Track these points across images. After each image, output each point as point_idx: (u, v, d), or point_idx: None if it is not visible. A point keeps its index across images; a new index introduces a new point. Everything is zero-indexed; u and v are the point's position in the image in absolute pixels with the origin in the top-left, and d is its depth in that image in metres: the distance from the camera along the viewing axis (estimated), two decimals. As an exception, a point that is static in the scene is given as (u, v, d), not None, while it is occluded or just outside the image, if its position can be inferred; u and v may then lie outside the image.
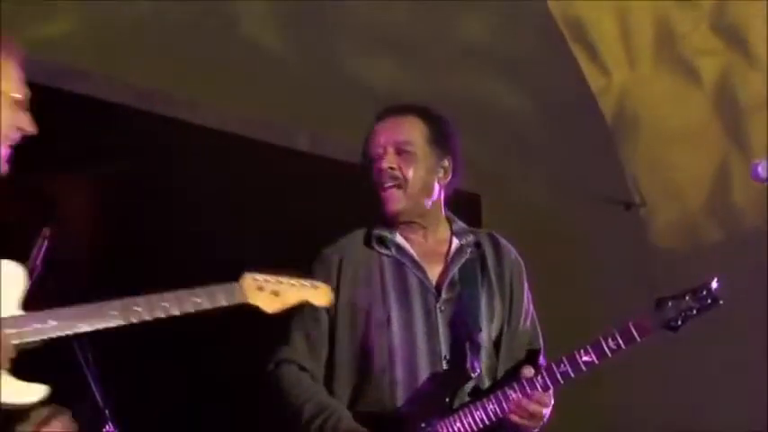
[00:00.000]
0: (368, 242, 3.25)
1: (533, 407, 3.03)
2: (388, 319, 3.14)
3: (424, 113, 3.30)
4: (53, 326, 2.56)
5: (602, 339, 3.00)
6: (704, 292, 3.01)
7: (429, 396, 3.07)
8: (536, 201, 6.08)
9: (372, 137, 3.27)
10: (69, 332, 2.58)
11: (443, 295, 3.17)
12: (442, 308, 3.16)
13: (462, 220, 3.37)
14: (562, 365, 3.01)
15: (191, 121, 4.86)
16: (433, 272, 3.22)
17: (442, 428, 3.03)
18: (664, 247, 6.37)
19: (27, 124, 2.66)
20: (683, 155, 6.31)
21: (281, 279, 2.81)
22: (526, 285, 3.31)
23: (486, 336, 3.16)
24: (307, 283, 2.86)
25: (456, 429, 3.03)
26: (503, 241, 3.35)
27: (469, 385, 3.10)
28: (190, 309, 2.66)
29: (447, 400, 3.07)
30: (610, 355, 2.99)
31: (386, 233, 3.24)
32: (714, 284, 3.02)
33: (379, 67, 5.60)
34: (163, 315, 2.65)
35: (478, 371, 3.10)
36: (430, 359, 3.11)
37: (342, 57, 5.50)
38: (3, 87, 2.63)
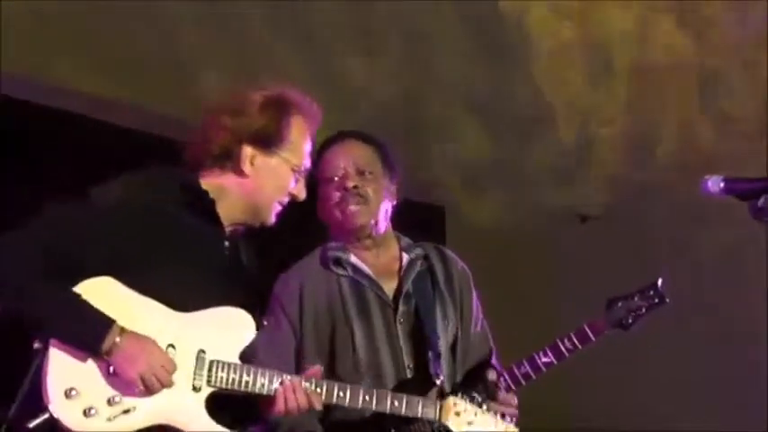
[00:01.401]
0: (324, 264, 3.41)
1: (501, 409, 3.21)
2: (352, 336, 3.31)
3: (374, 141, 3.50)
4: (258, 382, 2.89)
5: (558, 341, 3.22)
6: (651, 292, 3.24)
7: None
8: (497, 213, 6.31)
9: (331, 158, 3.42)
10: (263, 392, 2.91)
11: (400, 308, 3.36)
12: (401, 320, 3.34)
13: (427, 231, 3.55)
14: (522, 367, 3.23)
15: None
16: (389, 287, 3.41)
17: None
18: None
19: (299, 192, 3.06)
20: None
21: (476, 411, 3.10)
22: (474, 293, 3.51)
23: (443, 342, 3.35)
24: (500, 422, 3.13)
25: None
26: (449, 253, 3.57)
27: (434, 391, 3.24)
28: (385, 409, 3.05)
29: None
30: (567, 354, 3.22)
31: (340, 254, 3.40)
32: (659, 284, 3.24)
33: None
34: (360, 406, 3.03)
35: (442, 377, 3.26)
36: (395, 370, 3.29)
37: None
38: (293, 160, 2.99)
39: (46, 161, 4.78)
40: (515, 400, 3.27)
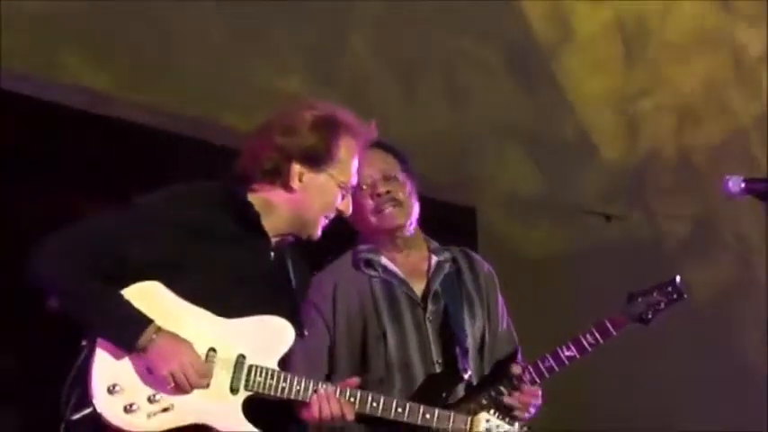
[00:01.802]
0: (356, 265, 3.56)
1: (526, 400, 3.37)
2: (384, 334, 3.46)
3: (392, 148, 3.63)
4: (293, 389, 3.03)
5: (581, 336, 3.35)
6: (670, 288, 3.36)
7: (426, 397, 3.34)
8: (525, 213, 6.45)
9: (358, 168, 3.56)
10: (299, 398, 3.05)
11: (429, 307, 3.50)
12: (430, 318, 3.49)
13: (458, 232, 3.69)
14: (546, 361, 3.36)
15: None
16: (418, 287, 3.55)
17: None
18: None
19: (345, 208, 3.22)
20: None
21: (509, 429, 3.23)
22: (499, 293, 3.66)
23: (471, 340, 3.49)
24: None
25: None
26: (476, 256, 3.72)
27: (461, 386, 3.40)
28: (416, 421, 3.16)
29: (443, 396, 3.36)
30: (589, 349, 3.34)
31: (371, 255, 3.55)
32: (678, 280, 3.36)
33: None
34: (393, 417, 3.15)
35: (469, 371, 3.41)
36: (424, 366, 3.43)
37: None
38: (341, 177, 3.14)
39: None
40: (539, 392, 3.41)
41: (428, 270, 3.58)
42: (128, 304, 2.91)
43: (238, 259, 3.06)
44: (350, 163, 3.19)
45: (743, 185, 3.07)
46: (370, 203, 3.53)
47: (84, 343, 2.95)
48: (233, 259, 3.05)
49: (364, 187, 3.52)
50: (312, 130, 3.14)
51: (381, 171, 3.55)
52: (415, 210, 3.58)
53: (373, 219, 3.54)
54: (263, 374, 3.00)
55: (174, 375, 2.90)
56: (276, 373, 3.02)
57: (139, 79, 5.15)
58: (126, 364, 2.92)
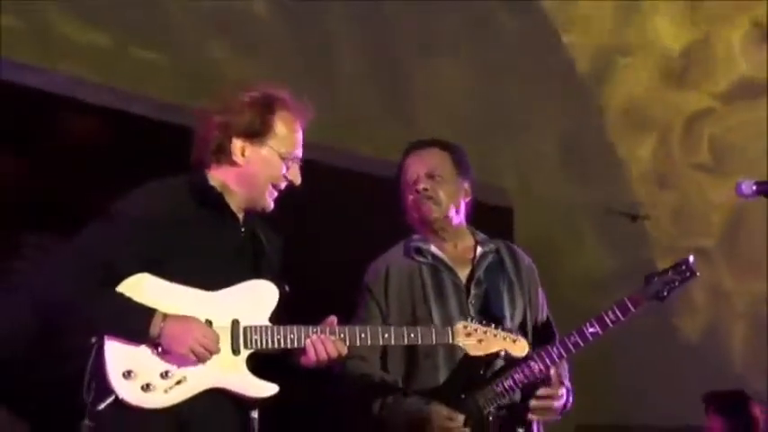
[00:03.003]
0: (407, 253, 3.92)
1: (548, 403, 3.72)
2: (430, 314, 3.79)
3: (448, 146, 4.00)
4: (288, 338, 3.26)
5: (603, 313, 3.65)
6: (683, 267, 3.65)
7: (467, 372, 3.70)
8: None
9: (407, 166, 3.95)
10: (294, 346, 3.28)
11: (472, 291, 3.84)
12: (473, 302, 3.81)
13: (496, 231, 4.08)
14: (573, 337, 3.66)
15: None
16: (463, 273, 3.89)
17: (480, 397, 3.66)
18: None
19: (294, 177, 3.41)
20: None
21: (486, 330, 3.44)
22: (539, 285, 3.99)
23: (510, 323, 3.77)
24: (508, 336, 3.46)
25: (491, 397, 3.67)
26: (518, 249, 4.05)
27: (499, 362, 3.72)
28: (403, 341, 3.41)
29: (482, 371, 3.70)
30: (611, 325, 3.63)
31: (422, 244, 3.91)
32: (691, 260, 3.66)
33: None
34: (381, 343, 3.41)
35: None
36: None
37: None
38: (282, 149, 3.37)
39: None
40: (563, 392, 3.75)
41: (473, 259, 3.91)
42: (130, 301, 3.15)
43: (213, 240, 3.29)
44: (290, 135, 3.39)
45: (754, 188, 3.31)
46: (410, 198, 3.90)
47: (93, 341, 3.17)
48: (208, 241, 3.28)
49: (410, 183, 3.90)
50: (249, 108, 3.35)
51: (427, 168, 3.89)
52: (453, 205, 3.89)
53: (412, 212, 3.90)
54: (259, 332, 3.23)
55: (193, 350, 3.14)
56: (270, 329, 3.25)
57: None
58: (134, 350, 3.15)
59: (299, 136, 3.43)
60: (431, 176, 3.90)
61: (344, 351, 3.30)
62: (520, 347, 3.45)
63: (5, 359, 4.74)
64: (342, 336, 3.30)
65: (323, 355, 3.27)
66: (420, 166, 3.92)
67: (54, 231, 4.01)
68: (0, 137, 5.13)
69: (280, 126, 3.38)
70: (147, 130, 5.64)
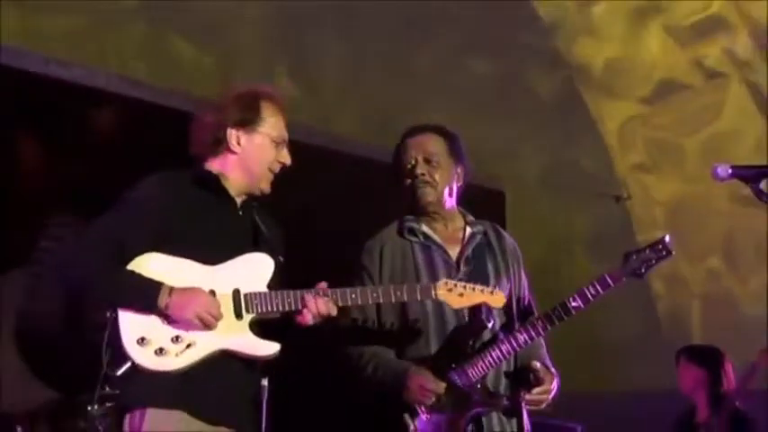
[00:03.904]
0: (400, 232, 4.14)
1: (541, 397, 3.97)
2: None
3: (443, 132, 4.21)
4: (285, 301, 3.57)
5: (585, 288, 3.87)
6: (660, 246, 3.88)
7: (456, 343, 3.94)
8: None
9: (404, 150, 4.17)
10: (292, 308, 3.57)
11: (462, 268, 4.05)
12: (462, 279, 3.97)
13: (488, 214, 4.32)
14: (556, 311, 3.89)
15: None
16: (453, 252, 4.11)
17: (469, 367, 3.89)
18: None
19: (285, 159, 3.75)
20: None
21: (465, 285, 3.75)
22: (522, 266, 4.21)
23: None
24: (485, 289, 3.76)
25: (479, 366, 3.89)
26: (504, 232, 4.27)
27: (487, 334, 3.96)
28: (391, 300, 3.74)
29: (471, 342, 3.93)
30: (592, 299, 3.85)
31: (414, 224, 4.13)
32: (667, 239, 3.89)
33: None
34: (370, 302, 3.74)
35: (492, 321, 3.92)
36: (456, 317, 3.97)
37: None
38: (273, 133, 3.72)
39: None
40: (554, 382, 4.00)
41: (463, 238, 4.13)
42: (141, 276, 3.47)
43: (213, 220, 3.62)
44: (276, 121, 3.73)
45: (730, 171, 3.41)
46: (407, 182, 4.12)
47: (108, 314, 3.48)
48: (209, 221, 3.61)
49: (408, 167, 4.13)
50: (238, 101, 3.72)
51: (424, 153, 4.11)
52: (447, 189, 4.12)
53: (410, 196, 4.12)
54: (258, 297, 3.55)
55: (199, 316, 3.45)
56: (268, 294, 3.56)
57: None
58: (146, 319, 3.46)
59: (283, 121, 3.77)
60: (427, 161, 4.12)
61: (335, 311, 3.61)
62: (498, 299, 3.77)
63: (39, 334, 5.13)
64: (334, 296, 3.62)
65: (315, 313, 3.57)
66: (416, 151, 4.14)
67: (78, 214, 4.39)
68: (33, 128, 5.60)
69: (267, 113, 3.73)
70: (158, 119, 6.07)
